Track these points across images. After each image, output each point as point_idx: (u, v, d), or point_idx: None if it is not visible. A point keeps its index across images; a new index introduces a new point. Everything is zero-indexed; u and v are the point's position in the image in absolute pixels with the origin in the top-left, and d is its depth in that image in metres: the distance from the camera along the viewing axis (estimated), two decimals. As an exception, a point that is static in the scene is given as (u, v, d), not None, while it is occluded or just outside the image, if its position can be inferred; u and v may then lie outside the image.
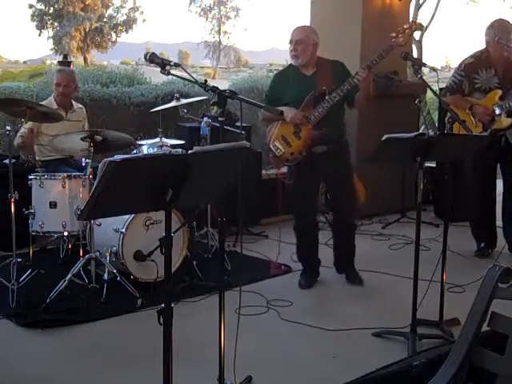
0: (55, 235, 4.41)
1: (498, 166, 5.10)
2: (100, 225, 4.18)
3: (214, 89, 2.62)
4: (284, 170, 4.61)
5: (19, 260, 4.06)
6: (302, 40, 4.09)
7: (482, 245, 5.17)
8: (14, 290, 3.83)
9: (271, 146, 4.19)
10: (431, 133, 3.38)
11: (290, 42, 4.14)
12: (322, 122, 4.06)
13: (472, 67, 4.78)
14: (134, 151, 4.67)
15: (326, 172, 4.24)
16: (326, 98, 4.00)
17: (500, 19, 4.80)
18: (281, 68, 10.30)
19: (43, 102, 4.85)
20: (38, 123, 4.69)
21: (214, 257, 4.86)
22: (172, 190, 2.03)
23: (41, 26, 40.35)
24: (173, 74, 2.75)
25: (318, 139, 4.10)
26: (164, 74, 2.69)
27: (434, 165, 6.68)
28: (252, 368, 3.03)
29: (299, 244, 4.49)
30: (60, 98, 4.90)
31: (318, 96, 4.05)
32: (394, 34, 3.83)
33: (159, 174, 2.00)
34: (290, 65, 4.26)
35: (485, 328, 2.05)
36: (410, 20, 3.87)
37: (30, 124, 4.68)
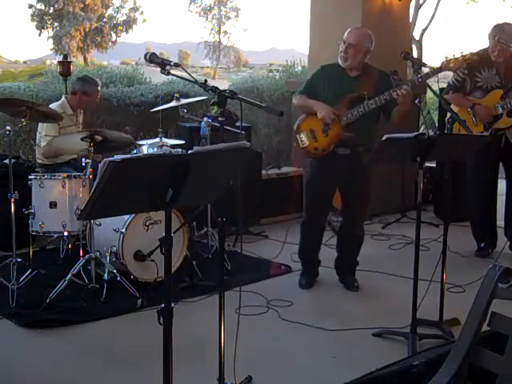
0: (55, 235, 4.41)
1: (500, 165, 5.10)
2: (100, 225, 4.18)
3: (214, 89, 2.62)
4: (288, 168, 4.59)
5: (19, 260, 4.06)
6: (355, 45, 4.04)
7: (482, 245, 5.17)
8: (14, 289, 3.83)
9: (297, 136, 4.20)
10: (431, 133, 3.38)
11: (343, 42, 4.08)
12: (353, 125, 4.03)
13: (475, 65, 4.76)
14: (134, 151, 4.68)
15: (343, 175, 4.21)
16: (364, 103, 3.97)
17: (505, 22, 4.80)
18: (281, 68, 10.28)
19: (53, 106, 4.83)
20: (58, 131, 4.71)
21: (214, 257, 4.86)
22: (172, 190, 2.03)
23: (41, 26, 40.35)
24: (173, 74, 2.75)
25: (344, 141, 4.08)
26: (164, 73, 2.70)
27: (434, 165, 6.68)
28: (252, 368, 3.03)
29: (303, 242, 4.47)
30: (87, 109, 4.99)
31: (356, 99, 4.02)
32: (447, 57, 3.77)
33: (159, 174, 2.00)
34: (337, 63, 4.17)
35: (485, 328, 2.05)
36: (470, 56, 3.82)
37: (53, 130, 4.68)
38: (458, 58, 3.77)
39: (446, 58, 3.76)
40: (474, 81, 4.81)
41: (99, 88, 5.01)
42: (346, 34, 4.11)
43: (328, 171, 4.20)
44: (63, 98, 4.99)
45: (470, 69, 4.79)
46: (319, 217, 4.41)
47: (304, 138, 4.18)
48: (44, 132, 4.78)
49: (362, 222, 4.47)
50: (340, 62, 4.12)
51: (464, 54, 3.79)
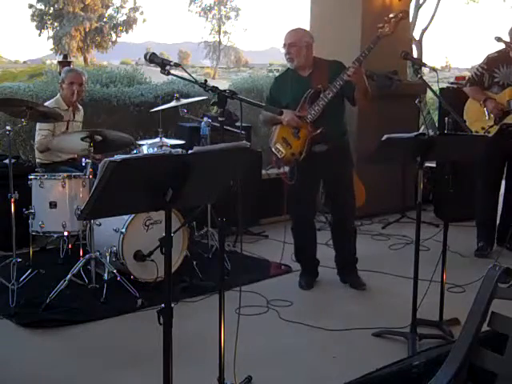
0: (55, 235, 4.40)
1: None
2: (100, 225, 4.18)
3: (214, 89, 2.62)
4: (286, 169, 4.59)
5: (19, 260, 4.06)
6: (295, 43, 4.13)
7: (481, 244, 5.18)
8: (14, 289, 3.82)
9: (273, 149, 4.23)
10: (431, 133, 3.38)
11: (284, 45, 4.18)
12: (320, 120, 4.07)
13: (494, 61, 4.91)
14: (134, 151, 4.67)
15: (326, 171, 4.24)
16: (321, 95, 4.03)
17: None
18: (281, 68, 10.33)
19: (48, 103, 4.82)
20: (53, 126, 4.70)
21: (214, 257, 4.86)
22: (172, 190, 2.03)
23: (41, 26, 40.39)
24: (173, 74, 2.75)
25: (317, 138, 4.11)
26: (164, 73, 2.69)
27: (434, 165, 6.68)
28: (252, 368, 3.03)
29: (297, 245, 4.48)
30: (73, 97, 4.89)
31: (314, 95, 4.08)
32: (380, 25, 3.88)
33: (159, 174, 2.00)
34: (289, 68, 4.29)
35: (485, 328, 2.05)
36: (400, 11, 3.88)
37: (46, 124, 4.67)
38: (391, 19, 3.86)
39: (379, 26, 3.85)
40: (492, 76, 4.91)
41: (74, 73, 4.90)
42: (284, 39, 4.19)
43: (310, 172, 4.21)
44: (58, 94, 4.99)
45: (488, 64, 4.93)
46: (307, 217, 4.42)
47: (280, 148, 4.20)
48: (38, 127, 4.79)
49: (350, 215, 4.44)
50: (289, 65, 4.22)
51: (395, 14, 3.89)
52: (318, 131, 4.07)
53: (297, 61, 4.14)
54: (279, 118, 4.09)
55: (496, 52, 4.97)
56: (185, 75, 2.80)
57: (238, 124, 5.60)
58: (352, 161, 4.39)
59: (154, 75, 7.43)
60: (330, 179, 4.31)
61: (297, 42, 4.13)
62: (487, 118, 4.84)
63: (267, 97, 4.44)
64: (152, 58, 2.71)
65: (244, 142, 2.36)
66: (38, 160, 4.95)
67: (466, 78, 5.18)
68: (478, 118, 4.89)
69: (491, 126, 4.81)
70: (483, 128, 4.84)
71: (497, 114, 4.80)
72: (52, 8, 39.97)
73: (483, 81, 4.93)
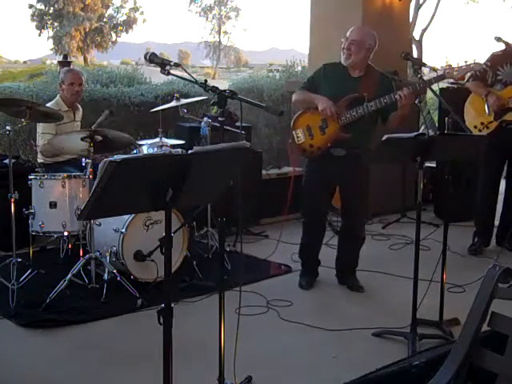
0: (55, 235, 4.40)
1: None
2: (100, 225, 4.18)
3: (214, 89, 2.62)
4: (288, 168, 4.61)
5: (19, 260, 4.06)
6: (358, 41, 4.03)
7: (476, 240, 5.19)
8: (14, 290, 3.82)
9: (293, 132, 4.17)
10: (431, 133, 3.39)
11: (346, 39, 4.07)
12: (351, 126, 4.01)
13: (498, 59, 4.97)
14: (134, 151, 4.67)
15: (340, 177, 4.20)
16: (364, 104, 3.96)
17: None
18: (281, 68, 10.30)
19: (49, 104, 4.82)
20: (56, 130, 4.70)
21: (214, 257, 4.85)
22: (172, 190, 2.03)
23: (41, 26, 40.46)
24: (173, 74, 2.75)
25: (340, 141, 4.06)
26: (164, 73, 2.70)
27: (434, 165, 6.68)
28: (252, 368, 3.03)
29: (304, 242, 4.46)
30: (74, 98, 4.89)
31: (356, 100, 4.00)
32: (451, 66, 3.84)
33: (159, 174, 2.00)
34: (340, 62, 4.15)
35: (485, 328, 2.05)
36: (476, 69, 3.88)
37: (50, 127, 4.67)
38: (462, 67, 3.81)
39: (449, 66, 3.83)
40: (495, 74, 4.96)
41: (74, 74, 4.90)
42: (348, 32, 4.10)
43: (323, 172, 4.18)
44: (58, 95, 4.99)
45: (493, 62, 4.98)
46: (319, 217, 4.40)
47: (300, 134, 4.15)
48: (41, 130, 4.77)
49: (362, 223, 4.45)
50: (342, 60, 4.11)
51: (468, 63, 3.84)
52: (346, 136, 4.02)
53: (353, 58, 4.04)
54: (316, 102, 4.01)
55: (501, 50, 5.02)
56: (185, 75, 2.80)
57: (238, 124, 5.60)
58: (368, 172, 4.25)
59: (154, 75, 7.42)
60: (344, 184, 4.26)
61: (360, 41, 4.03)
62: (487, 113, 4.88)
63: (308, 78, 4.31)
64: (152, 58, 2.71)
65: (244, 141, 2.36)
66: (39, 160, 4.95)
67: (469, 74, 5.20)
68: (478, 113, 4.94)
69: (490, 122, 4.87)
70: (482, 123, 4.89)
71: (497, 109, 4.83)
72: (52, 8, 40.03)
73: (486, 77, 4.97)
